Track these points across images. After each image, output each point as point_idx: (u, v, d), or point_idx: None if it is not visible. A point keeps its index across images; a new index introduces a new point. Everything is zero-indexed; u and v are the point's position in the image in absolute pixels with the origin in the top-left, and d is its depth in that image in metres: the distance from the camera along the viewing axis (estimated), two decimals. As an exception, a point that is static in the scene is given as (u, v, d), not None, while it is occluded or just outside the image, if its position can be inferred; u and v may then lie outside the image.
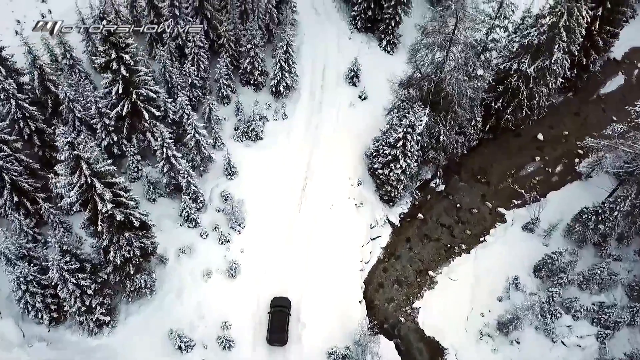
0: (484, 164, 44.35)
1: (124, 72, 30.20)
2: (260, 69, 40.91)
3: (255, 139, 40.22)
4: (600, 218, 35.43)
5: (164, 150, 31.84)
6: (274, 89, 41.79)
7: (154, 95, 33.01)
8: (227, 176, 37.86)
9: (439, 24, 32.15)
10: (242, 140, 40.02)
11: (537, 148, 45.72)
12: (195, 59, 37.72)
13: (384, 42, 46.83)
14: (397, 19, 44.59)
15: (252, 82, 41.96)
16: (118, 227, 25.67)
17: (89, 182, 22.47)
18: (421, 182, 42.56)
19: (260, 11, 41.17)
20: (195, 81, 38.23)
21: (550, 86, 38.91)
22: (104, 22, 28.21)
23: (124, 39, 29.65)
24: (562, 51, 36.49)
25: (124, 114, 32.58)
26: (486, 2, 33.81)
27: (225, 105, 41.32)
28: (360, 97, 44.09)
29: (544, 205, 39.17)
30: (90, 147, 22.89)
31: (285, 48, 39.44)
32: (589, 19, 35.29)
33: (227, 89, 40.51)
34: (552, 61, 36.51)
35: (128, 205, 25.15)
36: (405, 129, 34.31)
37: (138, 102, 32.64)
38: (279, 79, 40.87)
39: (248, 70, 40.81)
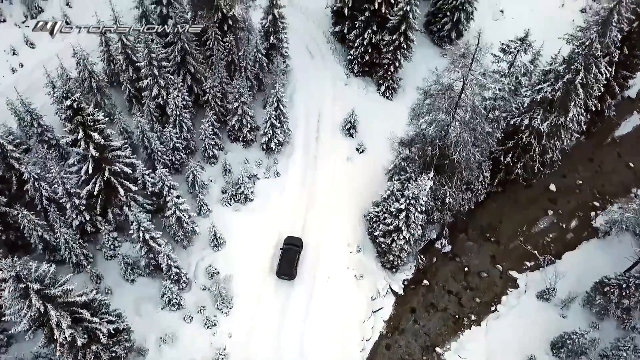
0: (492, 220, 41.11)
1: (93, 152, 27.01)
2: (249, 125, 37.74)
3: (244, 201, 36.97)
4: (624, 293, 32.20)
5: (141, 234, 28.58)
6: (265, 146, 38.60)
7: (130, 171, 29.80)
8: (213, 247, 34.61)
9: (444, 88, 29.03)
10: (230, 204, 36.77)
11: (549, 200, 42.48)
12: (178, 121, 34.52)
13: (383, 88, 43.64)
14: (397, 64, 41.44)
15: (241, 138, 38.77)
16: (82, 345, 22.42)
17: (42, 310, 19.28)
18: (426, 243, 39.34)
19: (249, 62, 38.01)
20: (177, 144, 35.05)
21: (565, 143, 35.73)
22: (68, 102, 25.00)
23: (93, 115, 26.53)
24: (578, 107, 33.35)
25: (95, 192, 29.38)
26: (495, 62, 30.62)
27: (212, 165, 38.09)
28: (358, 149, 40.86)
29: (560, 275, 35.87)
30: (44, 269, 19.66)
31: (276, 105, 36.30)
32: (608, 74, 32.10)
33: (214, 148, 37.29)
34: (568, 119, 33.36)
35: (93, 321, 21.91)
36: (407, 200, 31.17)
37: (112, 178, 29.47)
38: (270, 136, 37.68)
39: (236, 128, 37.64)
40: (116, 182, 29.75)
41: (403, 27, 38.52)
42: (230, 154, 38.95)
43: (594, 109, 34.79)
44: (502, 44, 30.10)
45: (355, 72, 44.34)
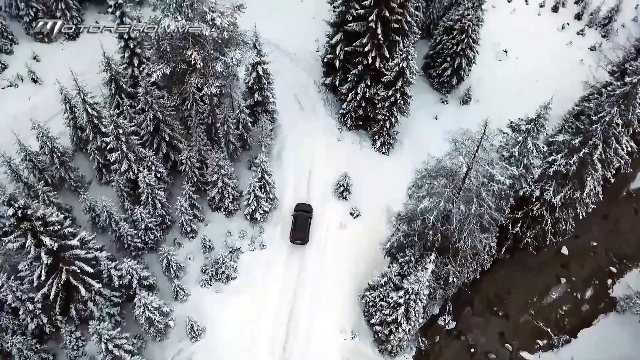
0: (500, 290, 37.63)
1: (45, 258, 23.55)
2: (232, 196, 34.29)
3: (226, 281, 33.45)
4: (651, 392, 28.72)
5: (103, 345, 25.06)
6: (249, 216, 35.16)
7: (91, 269, 26.32)
8: (191, 339, 31.08)
9: (445, 170, 25.65)
10: (210, 284, 33.24)
11: (561, 265, 39.01)
12: (150, 199, 31.07)
13: (378, 143, 40.18)
14: (393, 120, 38.04)
15: (222, 208, 35.32)
16: None
17: None
18: (427, 319, 35.81)
19: (230, 126, 34.59)
20: (150, 224, 31.59)
21: (580, 217, 32.31)
22: (11, 210, 21.56)
23: (44, 218, 23.07)
24: (595, 181, 29.96)
25: (52, 295, 25.91)
26: (502, 141, 27.19)
27: (191, 239, 34.60)
28: (352, 214, 37.34)
29: (578, 365, 32.41)
30: None
31: (260, 175, 32.88)
32: (629, 149, 28.69)
33: (192, 223, 33.83)
34: (585, 193, 29.95)
35: None
36: (407, 295, 27.70)
37: (71, 278, 26.01)
38: (254, 207, 34.24)
39: (217, 200, 34.21)
40: (76, 282, 26.27)
41: (399, 84, 35.18)
42: (211, 224, 35.51)
43: (612, 180, 31.34)
44: (511, 122, 26.68)
45: (348, 126, 40.91)
